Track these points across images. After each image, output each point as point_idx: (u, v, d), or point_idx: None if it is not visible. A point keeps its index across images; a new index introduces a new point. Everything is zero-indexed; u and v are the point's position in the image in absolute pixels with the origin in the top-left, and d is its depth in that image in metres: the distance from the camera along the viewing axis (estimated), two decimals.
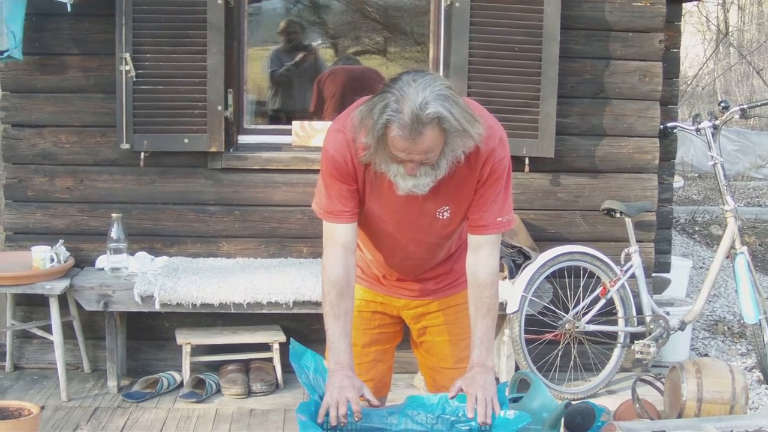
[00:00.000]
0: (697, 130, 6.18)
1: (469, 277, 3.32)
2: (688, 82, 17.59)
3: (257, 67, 8.33)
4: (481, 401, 3.07)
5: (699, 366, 4.99)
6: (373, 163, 3.09)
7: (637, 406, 4.85)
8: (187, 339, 5.72)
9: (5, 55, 5.43)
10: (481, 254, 3.29)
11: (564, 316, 5.80)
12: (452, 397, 3.14)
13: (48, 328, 5.61)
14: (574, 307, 5.84)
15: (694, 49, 21.11)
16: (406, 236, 3.35)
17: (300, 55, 8.33)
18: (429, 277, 3.55)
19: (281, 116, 8.24)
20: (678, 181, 9.15)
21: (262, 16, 8.79)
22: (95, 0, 5.70)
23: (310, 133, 6.10)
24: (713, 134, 6.11)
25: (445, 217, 3.29)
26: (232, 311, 5.55)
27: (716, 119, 6.12)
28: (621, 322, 5.96)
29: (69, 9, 5.40)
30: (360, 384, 3.12)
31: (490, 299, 3.28)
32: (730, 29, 20.95)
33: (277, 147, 6.13)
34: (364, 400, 3.11)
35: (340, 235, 3.25)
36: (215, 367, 5.86)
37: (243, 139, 6.13)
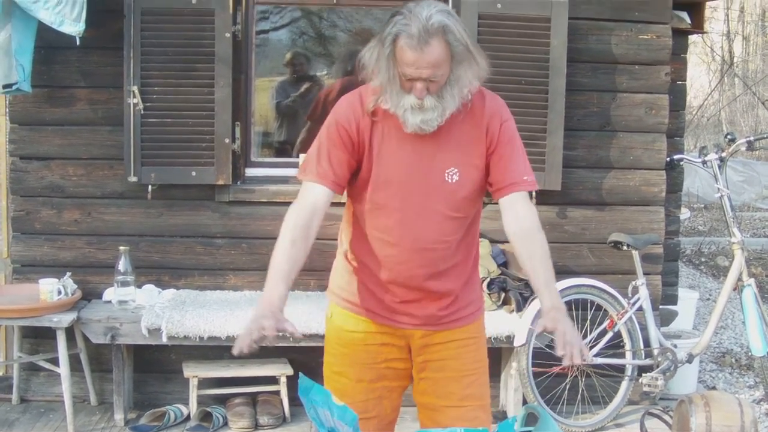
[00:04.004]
0: (704, 162, 6.17)
1: (513, 233, 3.27)
2: (693, 113, 17.62)
3: (263, 98, 8.35)
4: (575, 341, 3.07)
5: (707, 399, 5.00)
6: (384, 101, 3.19)
7: None
8: (194, 372, 5.71)
9: (14, 87, 5.46)
10: (518, 208, 3.28)
11: None
12: (541, 333, 3.11)
13: (55, 361, 5.61)
14: (582, 340, 5.81)
15: (698, 79, 21.18)
16: (416, 204, 3.29)
17: (305, 86, 8.36)
18: (434, 299, 3.41)
19: (287, 148, 8.26)
20: (684, 213, 9.14)
21: (267, 47, 8.82)
22: (103, 34, 5.74)
23: None
24: (720, 166, 6.10)
25: (453, 180, 3.27)
26: None
27: (723, 151, 6.11)
28: (628, 354, 5.94)
29: (77, 42, 5.41)
30: (282, 317, 3.04)
31: (542, 242, 3.25)
32: (735, 60, 21.01)
33: (284, 180, 6.14)
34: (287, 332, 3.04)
35: (314, 194, 3.25)
36: (222, 400, 5.84)
37: (250, 171, 6.14)
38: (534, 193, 5.95)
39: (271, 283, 3.13)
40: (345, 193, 3.42)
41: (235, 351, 3.00)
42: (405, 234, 3.32)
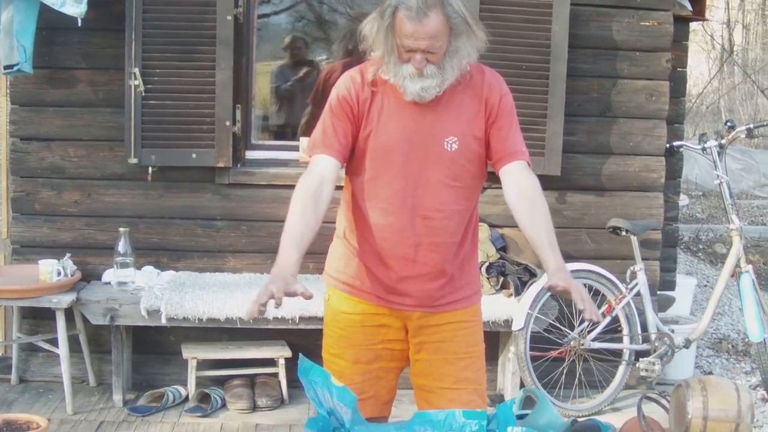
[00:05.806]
0: (703, 149, 6.19)
1: (515, 199, 3.27)
2: (693, 101, 17.62)
3: (262, 82, 8.36)
4: (587, 299, 3.05)
5: (704, 384, 5.02)
6: (384, 71, 3.26)
7: (643, 423, 4.87)
8: (192, 353, 5.73)
9: (15, 68, 5.46)
10: (519, 175, 3.30)
11: (569, 334, 5.80)
12: (550, 290, 3.10)
13: (54, 342, 5.62)
14: (580, 325, 5.84)
15: (698, 67, 21.16)
16: (415, 171, 3.32)
17: (304, 71, 8.37)
18: (430, 277, 3.43)
19: (286, 132, 8.27)
20: (683, 200, 9.16)
21: (267, 31, 8.82)
22: (105, 15, 5.73)
23: None
24: (719, 153, 6.13)
25: (453, 149, 3.31)
26: (239, 326, 5.55)
27: (722, 139, 6.14)
28: (626, 339, 5.97)
29: (79, 23, 5.41)
30: (292, 280, 2.99)
31: (544, 207, 3.25)
32: (735, 48, 21.00)
33: (284, 162, 6.15)
34: (297, 295, 2.99)
35: (321, 164, 3.29)
36: (221, 382, 5.86)
37: (250, 154, 6.15)
38: None
39: (282, 251, 3.11)
40: (344, 171, 3.46)
41: (245, 316, 2.99)
42: (404, 201, 3.35)
